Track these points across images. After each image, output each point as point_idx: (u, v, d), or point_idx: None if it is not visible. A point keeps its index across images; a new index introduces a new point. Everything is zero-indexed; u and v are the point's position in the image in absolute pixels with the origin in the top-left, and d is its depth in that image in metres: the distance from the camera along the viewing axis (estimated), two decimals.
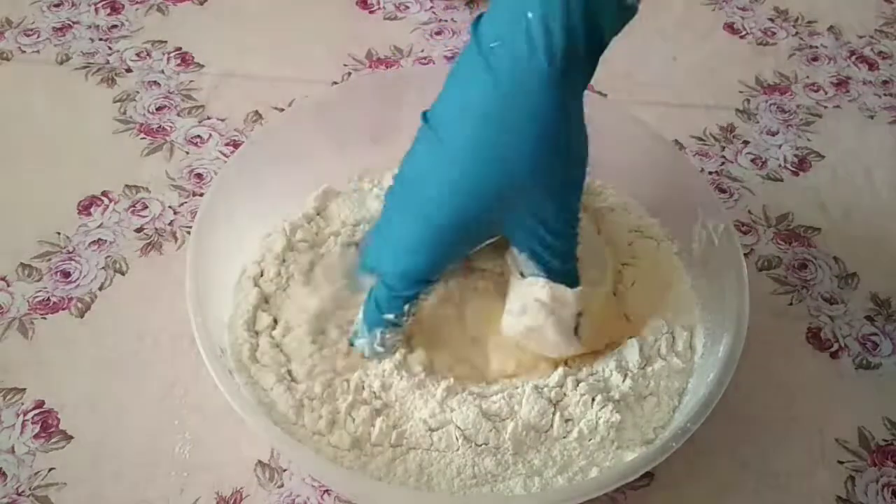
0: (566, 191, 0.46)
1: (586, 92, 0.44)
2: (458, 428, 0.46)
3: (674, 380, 0.50)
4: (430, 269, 0.47)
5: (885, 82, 0.78)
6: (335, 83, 0.73)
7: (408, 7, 0.81)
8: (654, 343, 0.51)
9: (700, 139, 0.71)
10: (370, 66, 0.75)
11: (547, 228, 0.46)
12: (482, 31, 0.43)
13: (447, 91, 0.45)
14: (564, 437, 0.46)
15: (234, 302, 0.52)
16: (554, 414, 0.47)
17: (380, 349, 0.49)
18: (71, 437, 0.51)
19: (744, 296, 0.49)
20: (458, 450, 0.45)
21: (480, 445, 0.45)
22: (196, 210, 0.53)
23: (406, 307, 0.48)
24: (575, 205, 0.46)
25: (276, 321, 0.51)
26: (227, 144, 0.67)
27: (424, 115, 0.46)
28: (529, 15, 0.40)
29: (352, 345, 0.50)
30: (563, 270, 0.47)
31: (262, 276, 0.53)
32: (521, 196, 0.44)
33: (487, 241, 0.47)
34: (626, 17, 0.42)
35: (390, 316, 0.48)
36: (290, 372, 0.49)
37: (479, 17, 0.44)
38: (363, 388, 0.48)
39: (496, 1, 0.43)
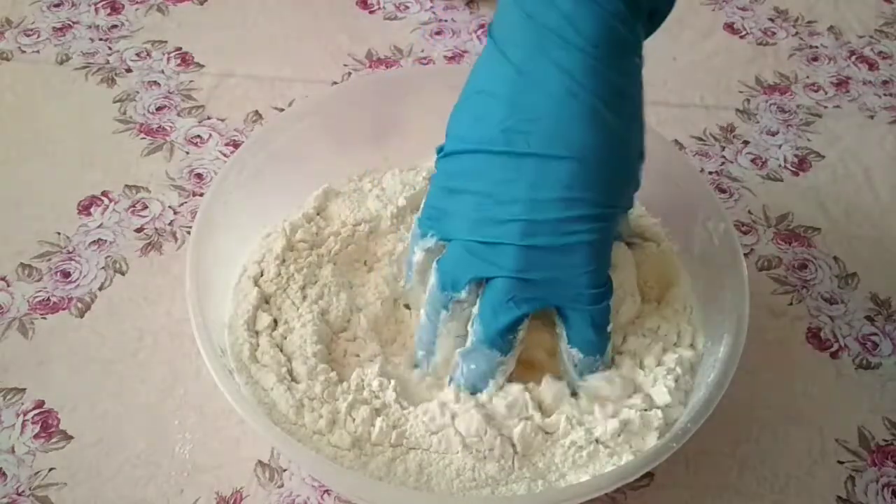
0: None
1: None
2: (459, 434, 0.46)
3: (671, 375, 0.49)
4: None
5: (885, 82, 0.78)
6: (335, 83, 0.73)
7: (408, 7, 0.81)
8: (655, 343, 0.51)
9: (700, 139, 0.71)
10: (370, 66, 0.75)
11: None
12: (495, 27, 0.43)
13: (505, 106, 0.43)
14: (569, 440, 0.46)
15: (234, 302, 0.52)
16: (559, 416, 0.47)
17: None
18: (71, 437, 0.51)
19: (744, 296, 0.49)
20: (457, 453, 0.45)
21: (482, 451, 0.45)
22: (196, 210, 0.53)
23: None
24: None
25: (276, 321, 0.51)
26: (227, 144, 0.67)
27: (456, 150, 0.45)
28: None
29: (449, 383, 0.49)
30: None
31: (262, 276, 0.53)
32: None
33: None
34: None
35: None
36: (290, 372, 0.49)
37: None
38: (363, 387, 0.48)
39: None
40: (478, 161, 0.44)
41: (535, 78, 0.42)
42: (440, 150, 0.47)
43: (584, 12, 0.41)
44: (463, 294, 0.46)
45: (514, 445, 0.45)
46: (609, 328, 0.47)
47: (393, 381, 0.48)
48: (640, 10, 0.43)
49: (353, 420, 0.46)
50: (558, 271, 0.44)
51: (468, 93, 0.46)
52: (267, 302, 0.52)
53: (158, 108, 0.70)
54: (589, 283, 0.44)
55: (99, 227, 0.61)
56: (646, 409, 0.47)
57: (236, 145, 0.67)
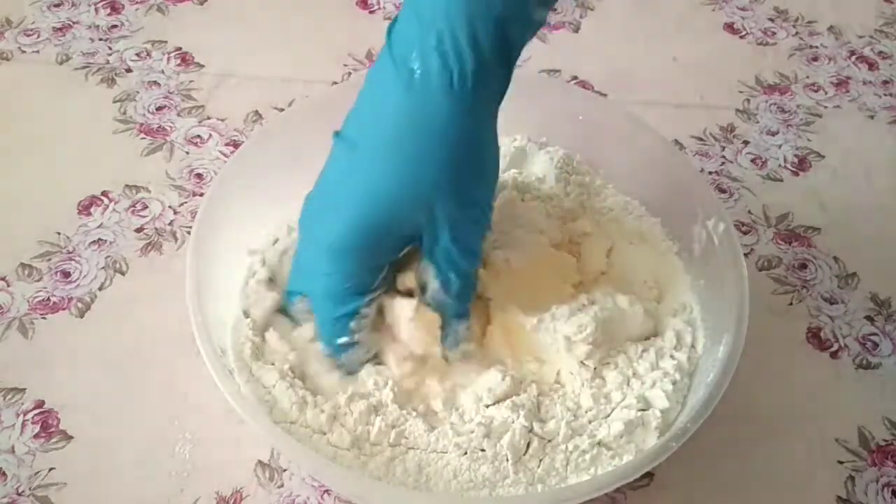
0: (473, 207, 0.46)
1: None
2: (455, 433, 0.46)
3: (668, 378, 0.49)
4: (356, 277, 0.46)
5: (885, 82, 0.78)
6: (335, 83, 0.73)
7: None
8: (655, 343, 0.51)
9: (700, 139, 0.71)
10: (370, 66, 0.75)
11: (454, 241, 0.45)
12: (394, 38, 0.43)
13: (361, 100, 0.45)
14: (572, 444, 0.46)
15: (239, 300, 0.52)
16: (559, 422, 0.47)
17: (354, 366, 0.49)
18: (71, 437, 0.51)
19: (744, 296, 0.49)
20: (452, 453, 0.45)
21: (476, 452, 0.45)
22: (196, 210, 0.53)
23: (352, 325, 0.47)
24: (482, 222, 0.47)
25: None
26: (227, 144, 0.67)
27: (336, 134, 0.46)
28: (439, 27, 0.40)
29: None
30: (460, 287, 0.47)
31: (266, 275, 0.53)
32: (433, 203, 0.44)
33: (405, 250, 0.47)
34: (535, 28, 0.43)
35: (343, 340, 0.47)
36: (292, 369, 0.49)
37: (395, 20, 0.43)
38: (363, 382, 0.48)
39: (408, 6, 0.42)
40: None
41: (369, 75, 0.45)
42: (336, 133, 0.47)
43: (408, 28, 0.42)
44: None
45: (505, 452, 0.45)
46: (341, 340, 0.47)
47: (390, 381, 0.48)
48: (473, 43, 0.41)
49: (352, 414, 0.46)
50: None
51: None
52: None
53: (158, 108, 0.70)
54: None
55: (99, 227, 0.61)
56: (644, 410, 0.47)
57: (236, 145, 0.67)
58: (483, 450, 0.45)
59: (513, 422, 0.46)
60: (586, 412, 0.48)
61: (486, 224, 0.47)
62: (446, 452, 0.45)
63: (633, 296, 0.52)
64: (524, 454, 0.46)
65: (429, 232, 0.45)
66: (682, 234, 0.56)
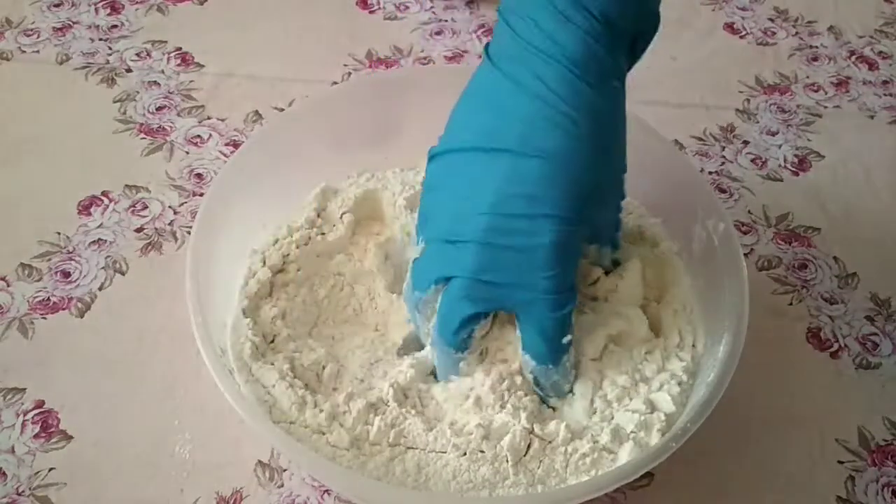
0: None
1: None
2: (454, 433, 0.46)
3: (675, 380, 0.49)
4: (572, 273, 0.46)
5: (885, 82, 0.78)
6: (335, 83, 0.73)
7: (408, 7, 0.81)
8: (656, 343, 0.51)
9: (700, 139, 0.71)
10: (370, 66, 0.75)
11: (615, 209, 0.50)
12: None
13: (494, 111, 0.45)
14: (571, 447, 0.46)
15: (239, 300, 0.52)
16: (559, 424, 0.46)
17: (566, 385, 0.48)
18: (71, 437, 0.51)
19: (744, 296, 0.49)
20: (451, 453, 0.45)
21: (475, 454, 0.45)
22: (196, 210, 0.53)
23: (572, 319, 0.46)
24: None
25: (283, 315, 0.52)
26: (227, 144, 0.67)
27: (450, 147, 0.47)
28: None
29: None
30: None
31: (266, 275, 0.53)
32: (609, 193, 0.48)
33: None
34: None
35: (568, 337, 0.46)
36: (293, 369, 0.49)
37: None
38: (361, 379, 0.48)
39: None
40: (457, 160, 0.46)
41: (517, 85, 0.44)
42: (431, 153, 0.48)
43: (564, 32, 0.43)
44: (428, 294, 0.47)
45: (505, 454, 0.45)
46: (566, 339, 0.46)
47: (391, 379, 0.48)
48: (621, 34, 0.44)
49: (351, 413, 0.46)
50: (517, 273, 0.44)
51: (461, 100, 0.47)
52: (271, 295, 0.53)
53: (158, 108, 0.70)
54: (546, 287, 0.44)
55: (99, 226, 0.61)
56: (649, 413, 0.47)
57: (236, 145, 0.67)
58: (482, 451, 0.45)
59: (514, 424, 0.46)
60: (589, 415, 0.48)
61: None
62: (445, 452, 0.45)
63: (638, 309, 0.52)
64: (524, 455, 0.46)
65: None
66: (682, 234, 0.56)
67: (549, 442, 0.46)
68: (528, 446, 0.46)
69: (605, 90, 0.44)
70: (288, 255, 0.54)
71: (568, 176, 0.44)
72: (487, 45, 0.47)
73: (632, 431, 0.46)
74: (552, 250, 0.44)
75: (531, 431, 0.46)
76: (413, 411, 0.47)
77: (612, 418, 0.47)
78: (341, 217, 0.56)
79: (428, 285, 0.47)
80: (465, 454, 0.45)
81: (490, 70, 0.45)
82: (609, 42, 0.44)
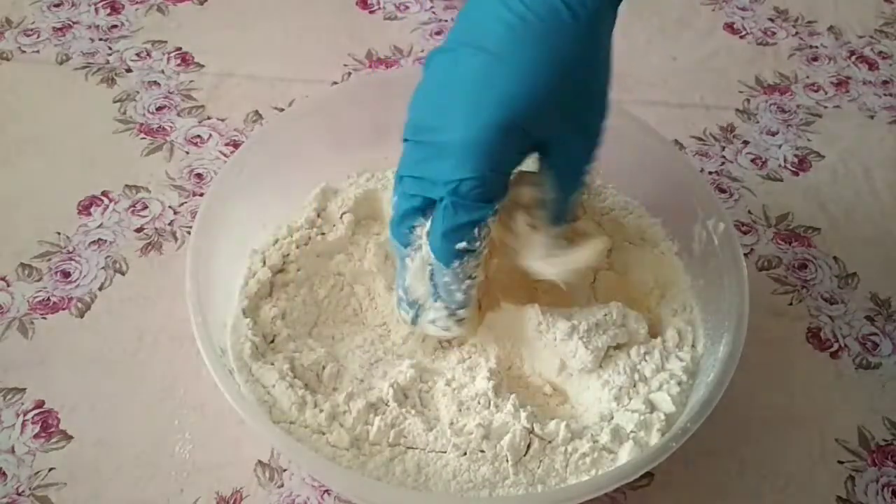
0: (588, 131, 0.46)
1: None
2: (454, 433, 0.46)
3: (674, 380, 0.50)
4: (489, 182, 0.44)
5: (884, 82, 0.78)
6: (335, 83, 0.73)
7: (408, 7, 0.81)
8: (655, 343, 0.51)
9: (700, 139, 0.71)
10: (370, 66, 0.75)
11: (581, 148, 0.46)
12: None
13: (480, 13, 0.44)
14: (571, 447, 0.46)
15: (239, 300, 0.52)
16: (559, 424, 0.46)
17: (459, 296, 0.47)
18: (71, 437, 0.51)
19: (744, 296, 0.49)
20: (451, 453, 0.45)
21: (475, 453, 0.45)
22: (196, 210, 0.53)
23: (476, 231, 0.45)
24: (592, 149, 0.47)
25: (283, 315, 0.52)
26: (226, 144, 0.67)
27: (442, 49, 0.45)
28: None
29: (413, 323, 0.49)
30: (572, 190, 0.48)
31: (266, 275, 0.53)
32: (566, 111, 0.44)
33: (525, 160, 0.46)
34: None
35: (462, 244, 0.45)
36: (293, 369, 0.49)
37: None
38: (361, 379, 0.48)
39: None
40: (436, 58, 0.45)
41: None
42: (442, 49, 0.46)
43: None
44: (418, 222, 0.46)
45: (505, 453, 0.45)
46: (461, 245, 0.45)
47: (391, 379, 0.48)
48: None
49: (351, 413, 0.46)
50: (433, 170, 0.44)
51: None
52: (271, 295, 0.53)
53: (158, 108, 0.70)
54: (452, 189, 0.44)
55: (99, 227, 0.61)
56: (648, 413, 0.47)
57: (236, 145, 0.67)
58: (482, 451, 0.45)
59: (513, 424, 0.46)
60: (589, 415, 0.48)
61: (593, 154, 0.47)
62: (445, 452, 0.45)
63: (638, 314, 0.52)
64: (524, 455, 0.46)
65: (556, 139, 0.45)
66: (682, 234, 0.56)
67: (549, 442, 0.46)
68: (528, 446, 0.46)
69: (587, 14, 0.42)
70: (288, 255, 0.54)
71: (508, 76, 0.42)
72: None
73: (632, 431, 0.46)
74: (461, 149, 0.43)
75: (531, 431, 0.46)
76: (413, 411, 0.47)
77: (612, 418, 0.47)
78: (341, 217, 0.56)
79: (410, 213, 0.47)
80: (465, 454, 0.45)
81: None
82: None
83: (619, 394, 0.48)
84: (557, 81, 0.43)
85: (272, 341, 0.51)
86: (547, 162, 0.46)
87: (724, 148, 0.71)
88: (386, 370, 0.50)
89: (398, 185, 0.46)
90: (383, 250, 0.55)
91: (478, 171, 0.43)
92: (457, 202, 0.44)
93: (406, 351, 0.52)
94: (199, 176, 0.65)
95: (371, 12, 0.80)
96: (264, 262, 0.54)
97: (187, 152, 0.67)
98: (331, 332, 0.53)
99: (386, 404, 0.47)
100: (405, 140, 0.45)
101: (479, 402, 0.47)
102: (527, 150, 0.45)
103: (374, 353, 0.51)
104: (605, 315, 0.50)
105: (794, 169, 0.70)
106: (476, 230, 0.45)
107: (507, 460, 0.45)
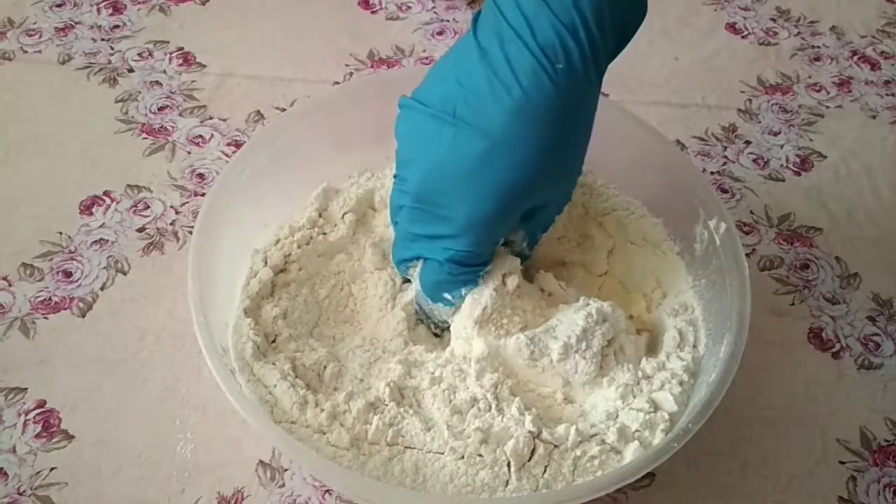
0: (577, 178, 0.50)
1: None
2: (452, 435, 0.46)
3: (675, 379, 0.49)
4: (487, 250, 0.49)
5: (887, 82, 0.78)
6: (337, 83, 0.73)
7: (410, 7, 0.81)
8: (658, 344, 0.51)
9: (702, 139, 0.71)
10: (372, 66, 0.75)
11: (557, 207, 0.51)
12: (509, 23, 0.43)
13: (469, 80, 0.44)
14: (576, 451, 0.46)
15: (241, 300, 0.52)
16: (570, 428, 0.46)
17: (443, 318, 0.52)
18: (72, 437, 0.51)
19: (745, 296, 0.49)
20: (448, 456, 0.45)
21: (473, 457, 0.45)
22: (198, 210, 0.54)
23: (463, 289, 0.49)
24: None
25: (285, 315, 0.52)
26: (228, 144, 0.67)
27: (417, 100, 0.46)
28: (570, 13, 0.42)
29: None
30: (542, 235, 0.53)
31: (268, 274, 0.53)
32: (555, 184, 0.48)
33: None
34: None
35: (448, 296, 0.50)
36: (294, 369, 0.49)
37: (495, 7, 0.44)
38: (361, 379, 0.48)
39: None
40: (415, 118, 0.46)
41: (483, 57, 0.44)
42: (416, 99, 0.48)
43: (541, 17, 0.42)
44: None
45: (507, 459, 0.45)
46: (448, 296, 0.50)
47: (386, 378, 0.48)
48: (603, 27, 0.43)
49: (351, 412, 0.46)
50: (429, 235, 0.48)
51: (440, 59, 0.47)
52: (273, 295, 0.53)
53: (160, 108, 0.70)
54: (449, 257, 0.48)
55: (101, 226, 0.61)
56: (652, 412, 0.47)
57: (238, 145, 0.67)
58: (481, 455, 0.45)
59: (517, 429, 0.46)
60: (596, 413, 0.48)
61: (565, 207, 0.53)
62: (442, 454, 0.45)
63: (611, 302, 0.51)
64: (528, 461, 0.45)
65: (540, 206, 0.49)
66: (683, 235, 0.56)
67: (557, 446, 0.46)
68: (533, 451, 0.45)
69: (572, 85, 0.43)
70: (289, 254, 0.54)
71: (506, 165, 0.44)
72: (477, 12, 0.46)
73: (636, 430, 0.46)
74: (461, 229, 0.46)
75: (537, 436, 0.45)
76: (411, 410, 0.47)
77: (618, 416, 0.47)
78: (343, 217, 0.56)
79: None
80: (462, 457, 0.45)
81: (469, 37, 0.45)
82: (588, 36, 0.42)
83: (625, 391, 0.48)
84: (553, 162, 0.45)
85: (273, 341, 0.51)
86: (526, 224, 0.50)
87: (725, 148, 0.71)
88: (381, 368, 0.50)
89: (396, 229, 0.50)
90: (381, 249, 0.55)
91: (475, 247, 0.47)
92: (451, 267, 0.48)
93: (395, 347, 0.52)
94: (200, 176, 0.65)
95: (373, 12, 0.80)
96: (266, 262, 0.54)
97: (189, 152, 0.67)
98: (332, 332, 0.53)
99: (384, 403, 0.47)
100: (404, 196, 0.48)
101: (478, 407, 0.47)
102: (517, 221, 0.49)
103: (373, 353, 0.51)
104: (587, 317, 0.49)
105: (795, 169, 0.70)
106: (463, 289, 0.50)
107: (509, 465, 0.45)
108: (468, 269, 0.48)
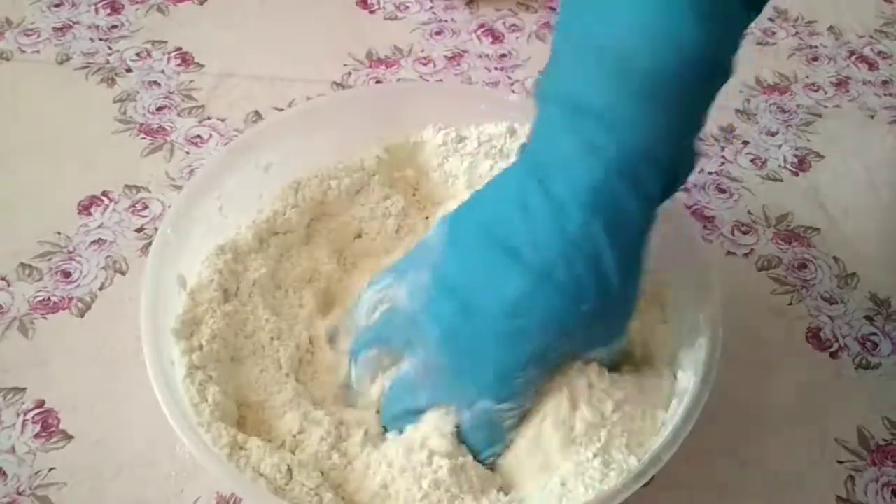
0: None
1: None
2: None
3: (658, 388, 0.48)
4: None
5: (884, 82, 0.78)
6: (335, 83, 0.73)
7: (408, 7, 0.81)
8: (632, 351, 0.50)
9: (700, 139, 0.71)
10: (370, 66, 0.75)
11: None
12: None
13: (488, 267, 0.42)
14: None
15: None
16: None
17: None
18: (71, 437, 0.51)
19: (715, 297, 0.47)
20: None
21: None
22: None
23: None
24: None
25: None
26: (226, 144, 0.67)
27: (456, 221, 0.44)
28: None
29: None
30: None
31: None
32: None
33: None
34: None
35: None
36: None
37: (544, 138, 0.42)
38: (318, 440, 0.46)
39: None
40: (462, 245, 0.44)
41: (522, 203, 0.41)
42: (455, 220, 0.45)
43: (580, 163, 0.39)
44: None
45: None
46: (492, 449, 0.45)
47: (339, 448, 0.45)
48: (654, 171, 0.39)
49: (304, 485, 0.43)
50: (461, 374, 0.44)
51: (487, 184, 0.45)
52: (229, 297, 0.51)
53: (159, 108, 0.70)
54: (477, 399, 0.44)
55: (99, 226, 0.61)
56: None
57: None
58: None
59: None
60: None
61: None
62: None
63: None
64: None
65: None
66: None
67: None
68: None
69: (623, 240, 0.40)
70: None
71: (531, 336, 0.42)
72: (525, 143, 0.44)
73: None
74: (488, 385, 0.43)
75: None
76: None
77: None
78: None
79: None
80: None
81: (513, 170, 0.43)
82: (635, 180, 0.38)
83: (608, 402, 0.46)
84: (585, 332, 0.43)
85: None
86: None
87: (723, 148, 0.71)
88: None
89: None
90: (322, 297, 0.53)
91: (498, 399, 0.43)
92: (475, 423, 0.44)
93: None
94: None
95: (371, 12, 0.80)
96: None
97: (187, 152, 0.67)
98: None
99: (336, 468, 0.45)
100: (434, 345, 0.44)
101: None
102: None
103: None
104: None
105: (793, 169, 0.70)
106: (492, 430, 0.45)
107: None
108: None
